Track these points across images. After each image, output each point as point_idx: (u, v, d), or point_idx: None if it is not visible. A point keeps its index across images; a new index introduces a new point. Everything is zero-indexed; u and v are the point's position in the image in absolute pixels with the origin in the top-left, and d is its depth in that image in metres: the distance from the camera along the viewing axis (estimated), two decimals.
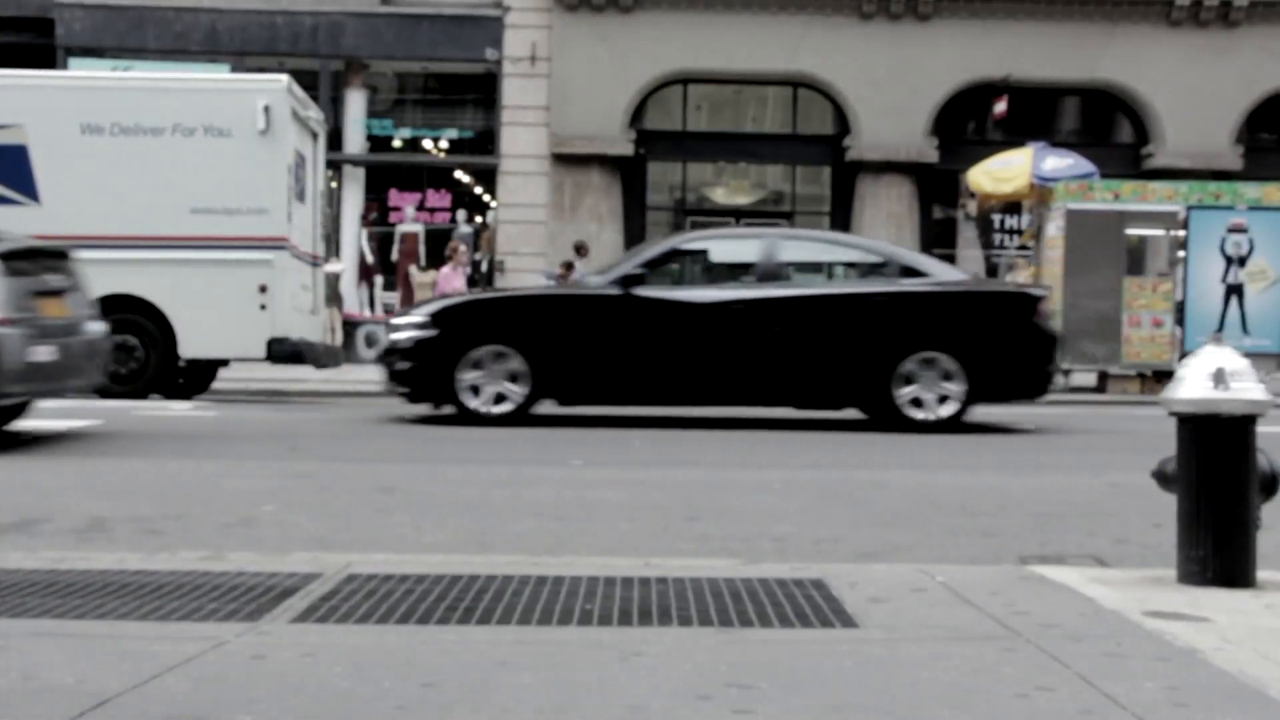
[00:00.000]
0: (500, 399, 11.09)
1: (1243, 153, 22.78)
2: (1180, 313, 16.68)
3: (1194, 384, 4.20)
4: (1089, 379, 17.53)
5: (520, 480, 7.59)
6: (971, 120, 23.60)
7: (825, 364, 11.22)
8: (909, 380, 11.10)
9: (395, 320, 11.73)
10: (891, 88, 22.48)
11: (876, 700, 2.96)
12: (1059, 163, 18.27)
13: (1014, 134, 21.47)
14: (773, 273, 11.49)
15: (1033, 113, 22.98)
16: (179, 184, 14.13)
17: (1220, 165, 22.24)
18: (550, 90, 22.70)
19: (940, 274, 11.74)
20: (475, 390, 11.07)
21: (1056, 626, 3.68)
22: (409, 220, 23.34)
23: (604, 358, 11.22)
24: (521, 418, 11.08)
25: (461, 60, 23.13)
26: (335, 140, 21.75)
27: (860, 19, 22.62)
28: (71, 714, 2.77)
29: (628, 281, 11.27)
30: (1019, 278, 19.27)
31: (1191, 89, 22.58)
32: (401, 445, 9.84)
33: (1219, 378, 4.17)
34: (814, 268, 12.56)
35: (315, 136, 16.28)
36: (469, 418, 11.03)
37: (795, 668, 3.24)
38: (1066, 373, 17.08)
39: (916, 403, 11.12)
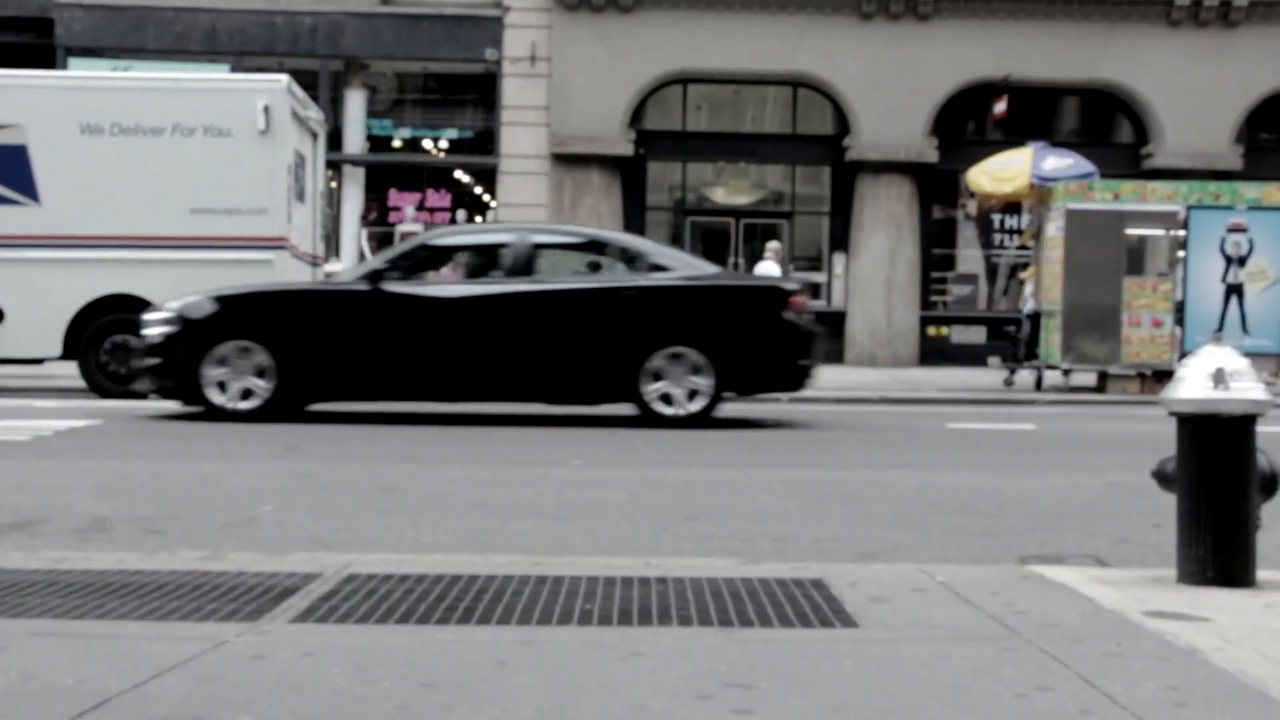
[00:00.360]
0: (248, 395, 11.03)
1: (1242, 152, 22.78)
2: (1180, 313, 16.68)
3: (1194, 384, 4.20)
4: (1089, 379, 17.54)
5: (520, 480, 7.59)
6: (971, 120, 23.60)
7: (573, 359, 11.18)
8: (658, 375, 11.08)
9: (146, 316, 11.57)
10: (891, 88, 22.48)
11: (876, 700, 2.96)
12: (1059, 163, 18.24)
13: (1014, 134, 21.46)
14: (522, 268, 11.45)
15: (1032, 113, 22.98)
16: (179, 184, 14.13)
17: (1220, 165, 22.24)
18: (550, 90, 22.70)
19: (691, 268, 11.67)
20: (222, 386, 11.03)
21: (1056, 626, 3.68)
22: (409, 220, 23.33)
23: (352, 354, 11.16)
24: (272, 414, 10.97)
25: (461, 60, 23.12)
26: (335, 140, 21.75)
27: (860, 19, 22.61)
28: (71, 714, 2.77)
29: (375, 277, 11.24)
30: (1026, 277, 19.26)
31: (1191, 89, 22.57)
32: (401, 445, 9.85)
33: (1219, 378, 4.17)
34: (564, 262, 12.39)
35: (315, 136, 16.28)
36: (215, 414, 10.96)
37: (795, 668, 3.24)
38: (1066, 372, 17.08)
39: (666, 397, 11.10)
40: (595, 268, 12.14)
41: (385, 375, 11.24)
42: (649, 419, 11.09)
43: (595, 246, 12.32)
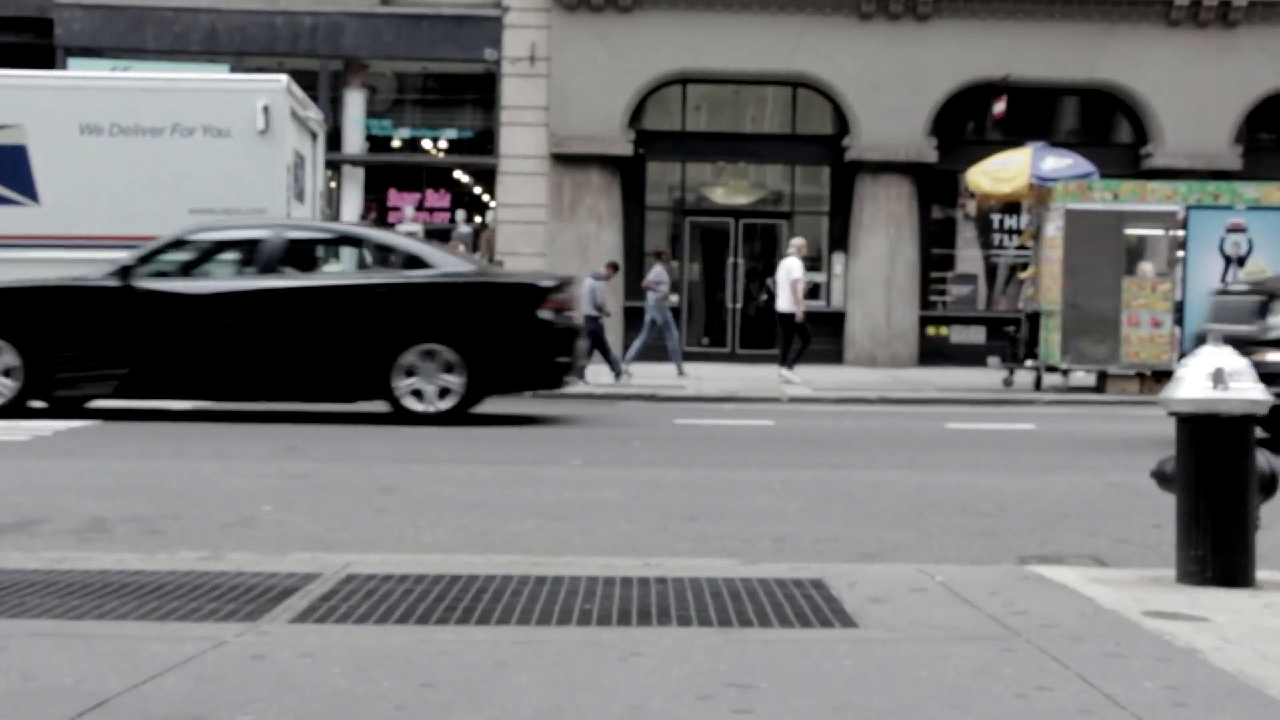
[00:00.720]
0: None
1: (1242, 152, 22.75)
2: (1179, 313, 16.66)
3: (1193, 384, 4.20)
4: (1088, 379, 17.54)
5: (520, 480, 7.59)
6: (971, 120, 23.58)
7: (324, 356, 11.11)
8: (410, 372, 11.02)
9: None
10: (891, 88, 22.46)
11: (876, 700, 2.96)
12: (1058, 163, 18.22)
13: (1013, 134, 21.44)
14: (276, 264, 11.38)
15: (1032, 113, 22.96)
16: (178, 184, 14.12)
17: (1219, 165, 22.21)
18: (549, 90, 22.68)
19: (446, 265, 11.56)
20: None
21: (1056, 626, 3.68)
22: (408, 220, 23.31)
23: (101, 351, 11.07)
24: (16, 412, 10.84)
25: (461, 60, 23.10)
26: (334, 140, 21.72)
27: (859, 19, 22.59)
28: (71, 714, 2.78)
29: (127, 273, 11.15)
30: (1025, 277, 19.25)
31: (1190, 89, 22.56)
32: (400, 445, 9.84)
33: (1218, 378, 4.17)
34: (319, 259, 12.14)
35: (314, 136, 16.28)
36: None
37: (795, 668, 3.24)
38: (1066, 372, 17.08)
39: (420, 394, 11.05)
40: (352, 264, 11.97)
41: (136, 372, 11.12)
42: (402, 416, 11.01)
43: (352, 242, 12.13)
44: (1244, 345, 9.75)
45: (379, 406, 11.29)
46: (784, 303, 18.46)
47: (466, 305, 11.24)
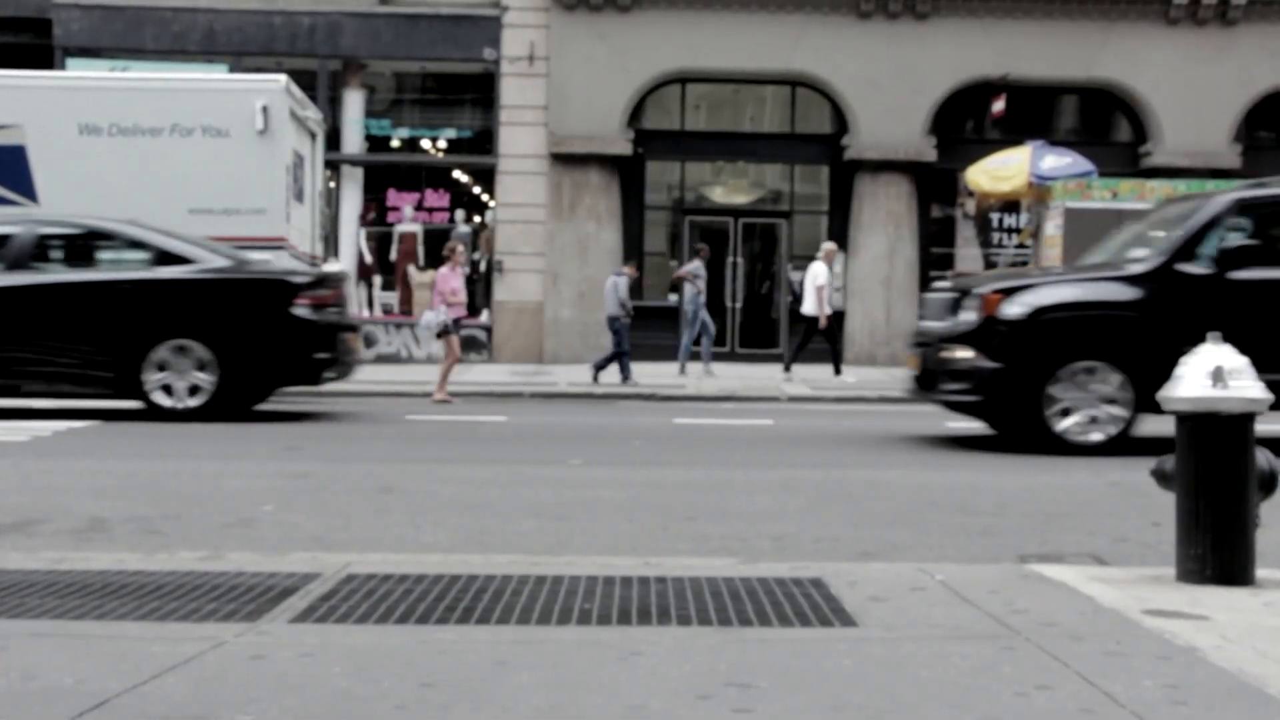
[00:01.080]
0: None
1: (1241, 151, 22.75)
2: None
3: (1193, 382, 4.20)
4: None
5: (519, 480, 7.59)
6: (970, 119, 23.58)
7: (71, 352, 11.13)
8: (162, 368, 11.06)
9: None
10: (890, 87, 22.46)
11: (876, 699, 2.96)
12: (1057, 161, 18.23)
13: (1012, 133, 21.44)
14: (26, 260, 11.38)
15: (1031, 111, 22.96)
16: (177, 184, 14.13)
17: (1218, 164, 22.21)
18: (548, 90, 22.68)
19: (204, 261, 11.54)
20: None
21: (1056, 625, 3.68)
22: (407, 220, 23.33)
23: None
24: None
25: (459, 60, 23.10)
26: (333, 140, 21.72)
27: (858, 18, 22.59)
28: (71, 714, 2.78)
29: None
30: None
31: (1189, 87, 22.56)
32: (399, 445, 9.85)
33: (1218, 376, 4.17)
34: (70, 255, 12.02)
35: (313, 136, 16.28)
36: None
37: (795, 667, 3.24)
38: None
39: (171, 391, 11.08)
40: (107, 259, 11.88)
41: None
42: (155, 413, 11.04)
43: (104, 237, 12.07)
44: (940, 342, 10.10)
45: (134, 404, 11.28)
46: (809, 305, 18.63)
47: (217, 301, 11.30)
